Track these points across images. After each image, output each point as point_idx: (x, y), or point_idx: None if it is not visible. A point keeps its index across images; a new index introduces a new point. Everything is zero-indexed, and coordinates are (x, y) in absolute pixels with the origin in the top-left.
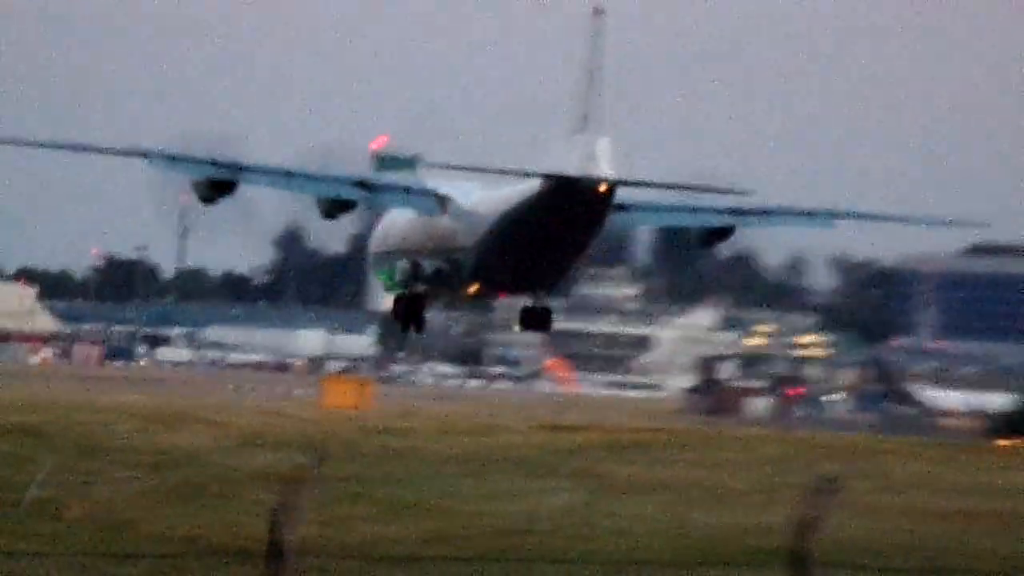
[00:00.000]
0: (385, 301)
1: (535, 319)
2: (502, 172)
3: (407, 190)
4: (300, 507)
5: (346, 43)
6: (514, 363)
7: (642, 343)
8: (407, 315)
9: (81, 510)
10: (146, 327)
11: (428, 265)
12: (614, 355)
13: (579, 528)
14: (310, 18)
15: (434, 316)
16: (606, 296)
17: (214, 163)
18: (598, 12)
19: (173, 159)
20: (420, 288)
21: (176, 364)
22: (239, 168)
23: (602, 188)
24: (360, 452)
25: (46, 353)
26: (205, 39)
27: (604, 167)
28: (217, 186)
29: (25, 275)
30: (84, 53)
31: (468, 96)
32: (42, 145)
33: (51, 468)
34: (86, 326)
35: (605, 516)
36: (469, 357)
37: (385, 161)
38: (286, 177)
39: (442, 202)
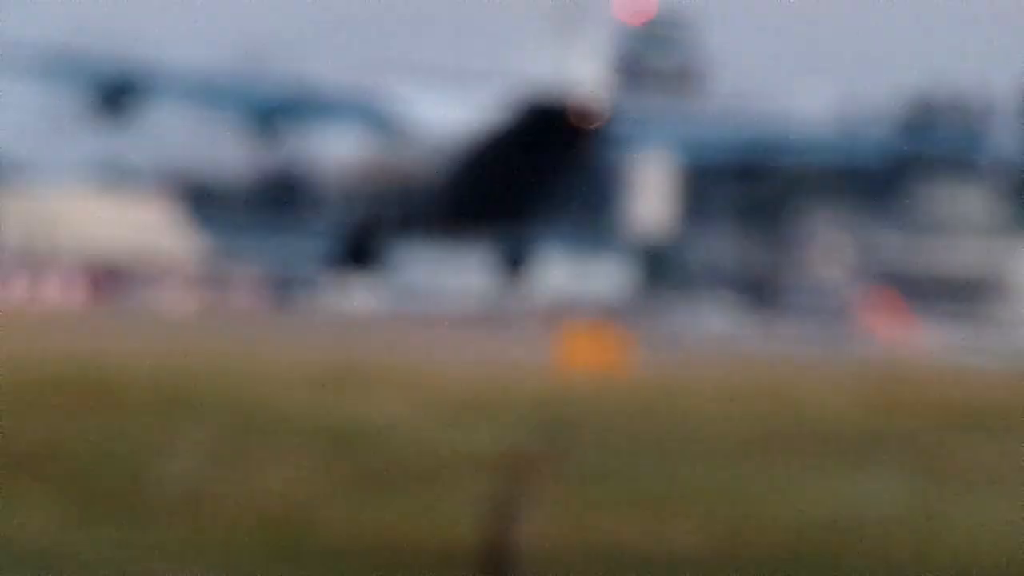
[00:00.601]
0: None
1: (515, 271)
2: None
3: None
4: (531, 499)
5: None
6: (819, 308)
7: (1000, 283)
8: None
9: (241, 502)
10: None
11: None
12: (963, 297)
13: (910, 531)
14: None
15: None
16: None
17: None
18: None
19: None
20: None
21: (361, 303)
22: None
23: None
24: (613, 427)
25: (193, 292)
26: None
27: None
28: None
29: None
30: None
31: None
32: None
33: (202, 447)
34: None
35: (945, 516)
36: (757, 298)
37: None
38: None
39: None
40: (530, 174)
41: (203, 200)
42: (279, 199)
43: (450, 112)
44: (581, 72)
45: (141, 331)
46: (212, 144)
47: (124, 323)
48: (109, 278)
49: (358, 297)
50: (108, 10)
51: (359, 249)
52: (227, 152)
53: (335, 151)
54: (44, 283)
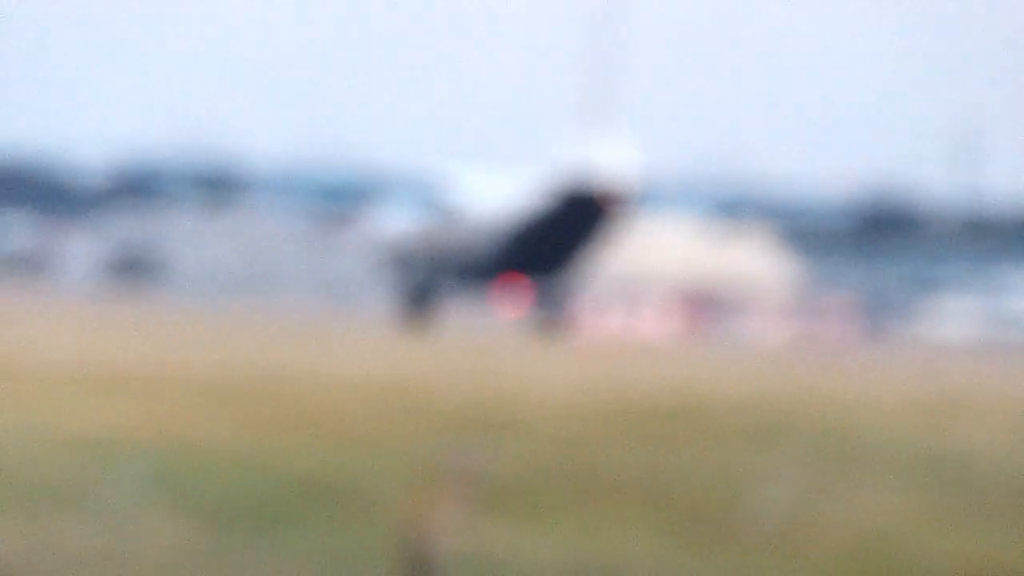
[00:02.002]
0: None
1: (548, 324)
2: None
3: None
4: None
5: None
6: None
7: None
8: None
9: (834, 529)
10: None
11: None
12: None
13: None
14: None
15: None
16: None
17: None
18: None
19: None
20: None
21: (957, 329)
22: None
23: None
24: None
25: (785, 320)
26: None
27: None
28: None
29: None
30: None
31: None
32: None
33: (796, 474)
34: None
35: None
36: None
37: None
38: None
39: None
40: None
41: (797, 227)
42: (874, 228)
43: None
44: (611, 158)
45: (735, 360)
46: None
47: (718, 352)
48: (703, 307)
49: (953, 324)
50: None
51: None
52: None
53: None
54: (639, 312)
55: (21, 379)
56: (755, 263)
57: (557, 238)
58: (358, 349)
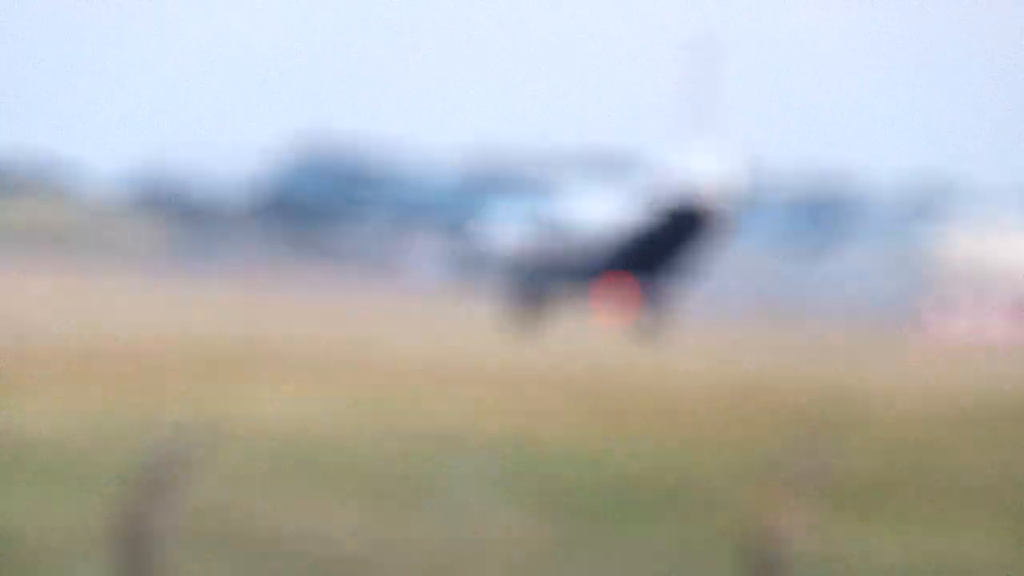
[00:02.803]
0: None
1: (652, 328)
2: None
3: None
4: None
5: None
6: None
7: None
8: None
9: None
10: None
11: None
12: None
13: None
14: None
15: None
16: None
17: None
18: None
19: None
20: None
21: None
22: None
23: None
24: None
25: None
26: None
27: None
28: None
29: None
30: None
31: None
32: None
33: None
34: None
35: None
36: None
37: None
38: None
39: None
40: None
41: None
42: None
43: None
44: (714, 172)
45: None
46: None
47: None
48: None
49: None
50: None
51: None
52: None
53: None
54: (987, 315)
55: (375, 375)
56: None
57: (662, 249)
58: (693, 350)
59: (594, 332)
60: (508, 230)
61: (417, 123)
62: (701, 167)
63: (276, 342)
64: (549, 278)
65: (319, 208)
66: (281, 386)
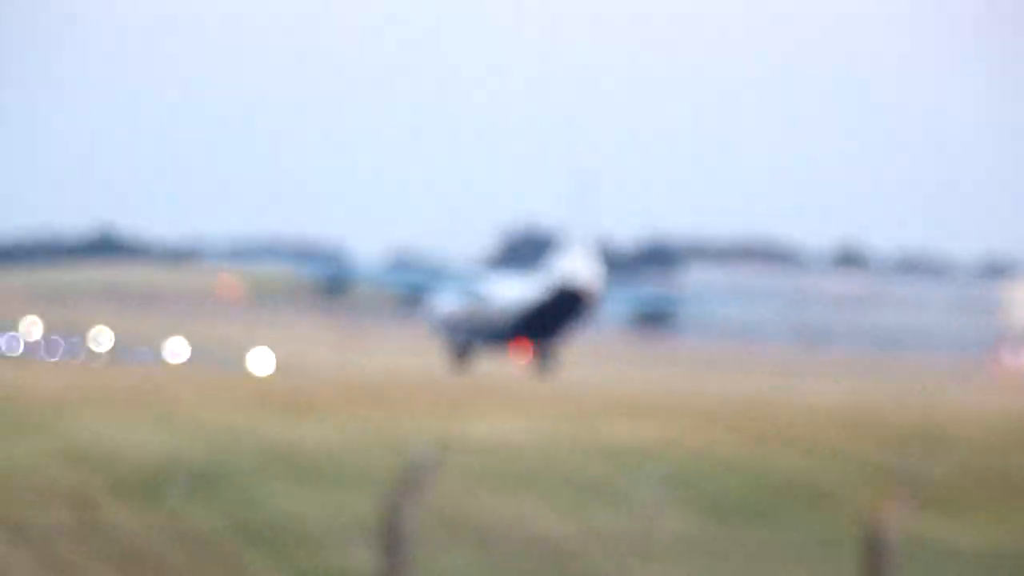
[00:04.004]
0: None
1: (544, 366)
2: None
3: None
4: None
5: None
6: None
7: None
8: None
9: None
10: None
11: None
12: None
13: None
14: None
15: None
16: None
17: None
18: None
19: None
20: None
21: None
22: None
23: (585, 293)
24: None
25: None
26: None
27: (586, 278)
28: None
29: None
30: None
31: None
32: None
33: None
34: None
35: None
36: None
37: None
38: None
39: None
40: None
41: None
42: None
43: (515, 291)
44: (585, 268)
45: None
46: None
47: None
48: None
49: None
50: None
51: None
52: None
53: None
54: None
55: (567, 403)
56: None
57: (549, 316)
58: (821, 380)
59: (507, 367)
60: (446, 302)
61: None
62: (577, 266)
63: (487, 378)
64: (474, 335)
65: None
66: (499, 413)
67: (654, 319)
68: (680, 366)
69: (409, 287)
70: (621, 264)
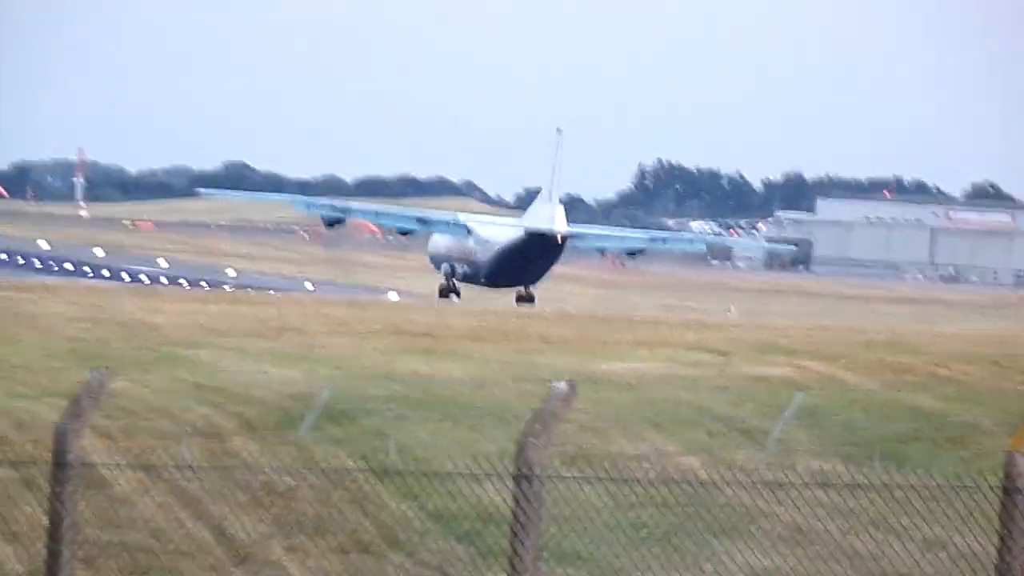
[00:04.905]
0: None
1: (524, 300)
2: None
3: (448, 223)
4: None
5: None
6: None
7: None
8: (448, 291)
9: None
10: None
11: (459, 267)
12: None
13: None
14: None
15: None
16: None
17: (334, 208)
18: (559, 131)
19: (310, 205)
20: (454, 279)
21: None
22: (348, 210)
23: (559, 238)
24: None
25: None
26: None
27: (559, 225)
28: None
29: None
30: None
31: None
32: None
33: None
34: None
35: None
36: None
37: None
38: (375, 215)
39: (468, 232)
40: (531, 259)
41: None
42: None
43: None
44: (558, 216)
45: None
46: None
47: None
48: None
49: None
50: None
51: None
52: None
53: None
54: None
55: (712, 331)
56: None
57: (527, 255)
58: (961, 319)
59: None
60: (442, 240)
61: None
62: (550, 212)
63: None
64: (463, 268)
65: None
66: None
67: (792, 257)
68: (820, 301)
69: (402, 226)
70: (757, 199)
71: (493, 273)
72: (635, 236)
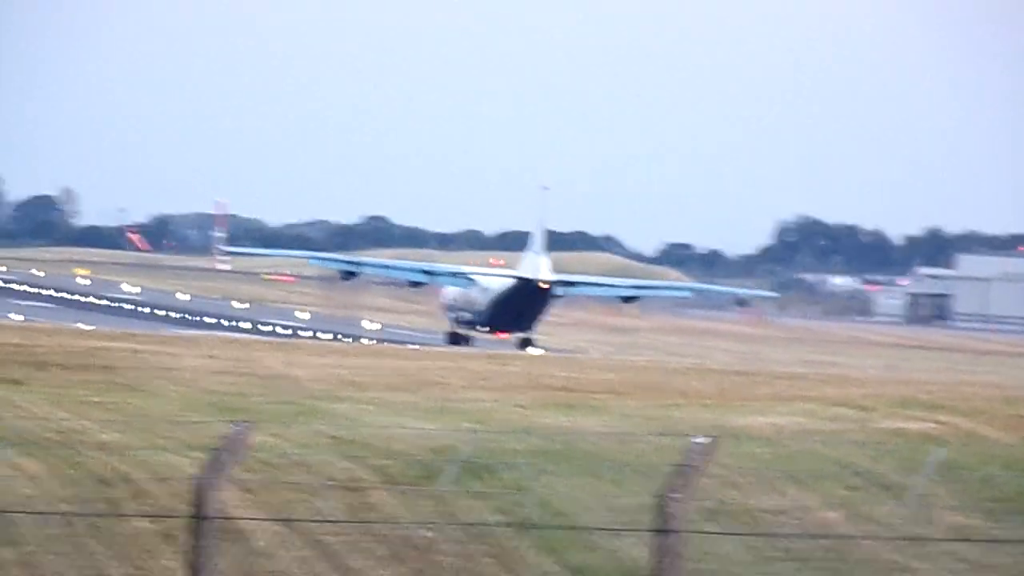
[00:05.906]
0: None
1: (524, 344)
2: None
3: (452, 274)
4: None
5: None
6: None
7: None
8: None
9: None
10: None
11: (464, 315)
12: None
13: None
14: None
15: None
16: None
17: (348, 262)
18: (544, 188)
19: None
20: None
21: None
22: (359, 264)
23: (544, 285)
24: None
25: None
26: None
27: (543, 273)
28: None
29: None
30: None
31: None
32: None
33: None
34: None
35: None
36: None
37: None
38: (384, 269)
39: (471, 282)
40: (523, 304)
41: None
42: None
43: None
44: (543, 266)
45: None
46: None
47: None
48: None
49: None
50: None
51: None
52: None
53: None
54: None
55: (852, 386)
56: None
57: (517, 301)
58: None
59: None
60: (451, 290)
61: None
62: (535, 262)
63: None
64: (466, 315)
65: None
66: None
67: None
68: (960, 356)
69: (410, 277)
70: (897, 254)
71: (492, 318)
72: (623, 284)
